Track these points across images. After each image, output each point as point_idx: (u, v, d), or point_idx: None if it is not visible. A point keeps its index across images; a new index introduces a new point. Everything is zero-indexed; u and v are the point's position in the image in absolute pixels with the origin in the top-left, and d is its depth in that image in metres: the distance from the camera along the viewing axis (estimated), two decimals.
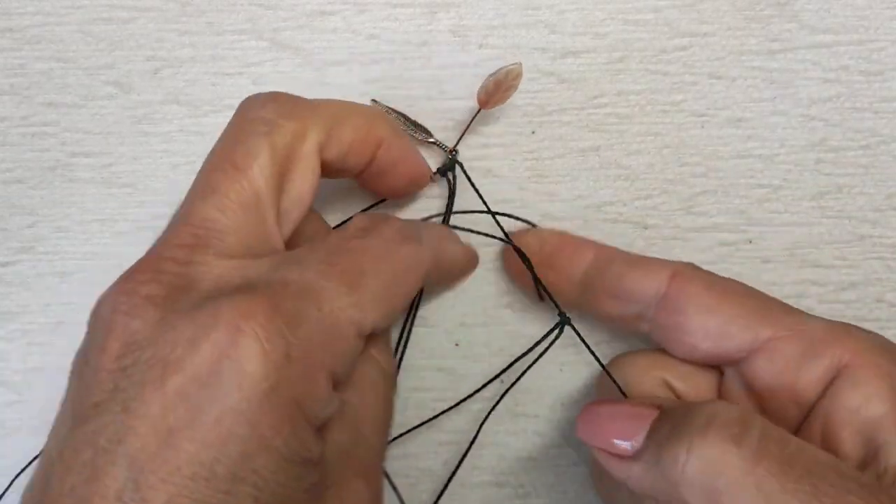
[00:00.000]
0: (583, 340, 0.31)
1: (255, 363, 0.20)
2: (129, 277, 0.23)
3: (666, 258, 0.30)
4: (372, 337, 0.25)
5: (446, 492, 0.33)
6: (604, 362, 0.31)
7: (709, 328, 0.27)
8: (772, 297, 0.28)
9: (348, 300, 0.23)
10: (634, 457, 0.25)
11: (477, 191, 0.33)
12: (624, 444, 0.25)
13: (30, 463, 0.32)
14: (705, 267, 0.34)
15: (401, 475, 0.33)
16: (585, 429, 0.27)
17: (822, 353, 0.26)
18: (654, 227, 0.34)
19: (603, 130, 0.34)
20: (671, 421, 0.24)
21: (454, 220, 0.34)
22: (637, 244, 0.34)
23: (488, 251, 0.34)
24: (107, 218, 0.34)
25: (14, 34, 0.34)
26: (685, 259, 0.34)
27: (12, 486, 0.33)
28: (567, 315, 0.32)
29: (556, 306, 0.31)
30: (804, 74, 0.35)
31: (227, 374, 0.20)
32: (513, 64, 0.32)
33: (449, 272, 0.32)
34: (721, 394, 0.29)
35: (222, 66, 0.34)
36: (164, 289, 0.22)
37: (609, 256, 0.30)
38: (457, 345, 0.34)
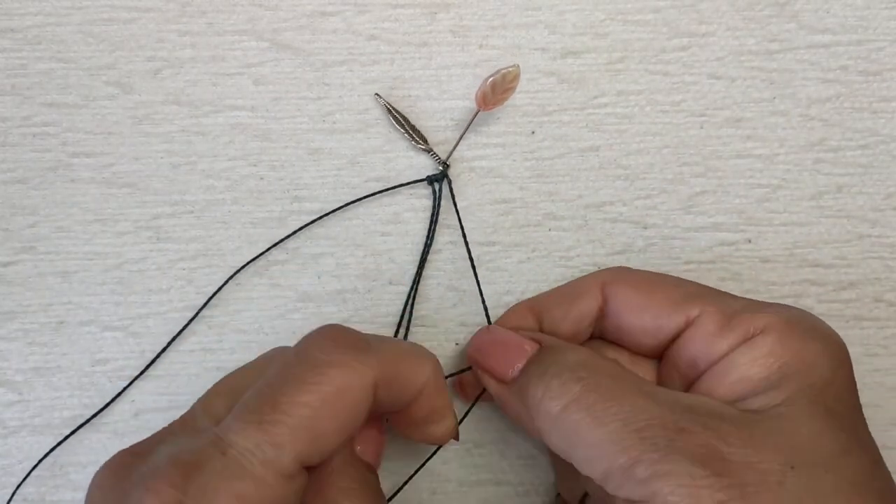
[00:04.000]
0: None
1: None
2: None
3: (600, 270, 0.33)
4: (331, 469, 0.25)
5: (446, 492, 0.33)
6: None
7: (645, 325, 0.29)
8: (702, 284, 0.30)
9: (256, 440, 0.23)
10: (509, 383, 0.28)
11: (457, 211, 0.33)
12: (504, 370, 0.28)
13: (37, 464, 0.32)
14: (705, 266, 0.34)
15: (401, 475, 0.33)
16: (475, 349, 0.30)
17: (738, 325, 0.27)
18: (654, 227, 0.34)
19: (603, 130, 0.34)
20: (542, 361, 0.27)
21: (445, 231, 0.34)
22: (637, 244, 0.34)
23: (490, 250, 0.34)
24: (108, 218, 0.34)
25: (15, 34, 0.34)
26: (684, 259, 0.34)
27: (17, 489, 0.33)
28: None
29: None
30: (803, 74, 0.35)
31: None
32: (510, 66, 0.32)
33: (413, 397, 0.27)
34: (660, 377, 0.30)
35: (223, 66, 0.34)
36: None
37: (543, 308, 0.32)
38: (457, 344, 0.34)
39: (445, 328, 0.34)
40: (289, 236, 0.33)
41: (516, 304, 0.33)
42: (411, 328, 0.33)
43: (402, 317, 0.33)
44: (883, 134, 0.35)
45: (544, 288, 0.34)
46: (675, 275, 0.33)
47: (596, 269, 0.34)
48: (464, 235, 0.33)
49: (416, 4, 0.34)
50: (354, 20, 0.34)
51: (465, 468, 0.33)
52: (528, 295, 0.34)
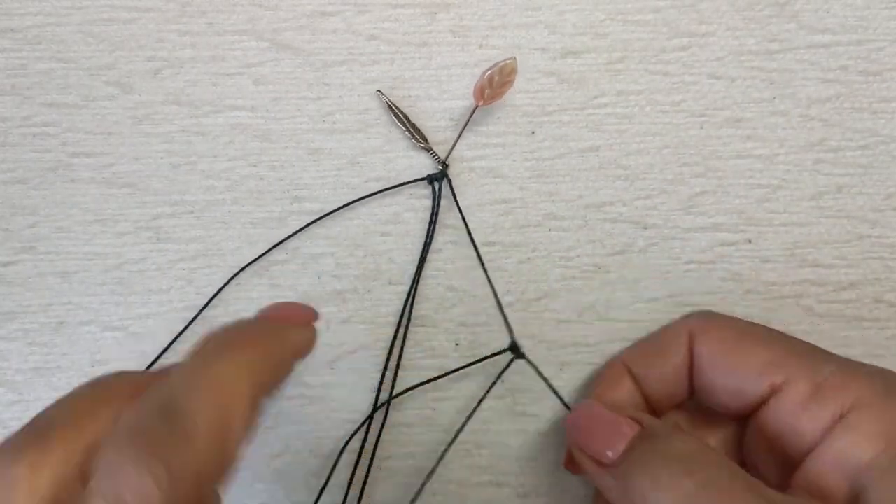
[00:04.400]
0: (539, 373, 0.32)
1: None
2: None
3: (682, 317, 0.32)
4: None
5: (446, 492, 0.33)
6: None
7: (728, 387, 0.28)
8: (790, 337, 0.28)
9: None
10: (610, 466, 0.26)
11: (460, 210, 0.33)
12: (602, 451, 0.27)
13: None
14: (705, 267, 0.34)
15: (400, 474, 0.33)
16: (573, 425, 0.29)
17: (828, 397, 0.26)
18: (654, 227, 0.34)
19: (603, 130, 0.34)
20: (645, 448, 0.26)
21: (445, 231, 0.34)
22: (637, 244, 0.34)
23: (490, 250, 0.34)
24: (108, 218, 0.34)
25: (15, 35, 0.34)
26: (684, 259, 0.34)
27: None
28: (519, 348, 0.32)
29: (510, 335, 0.32)
30: (803, 74, 0.35)
31: None
32: (507, 59, 0.32)
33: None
34: (744, 443, 0.29)
35: (223, 66, 0.34)
36: None
37: (636, 367, 0.31)
38: (457, 344, 0.34)
39: (445, 328, 0.34)
40: (290, 237, 0.33)
41: (612, 365, 0.32)
42: (412, 328, 0.33)
43: (401, 317, 0.33)
44: (883, 134, 0.35)
45: (544, 288, 0.34)
46: (678, 276, 0.34)
47: (596, 269, 0.34)
48: (469, 233, 0.33)
49: (416, 4, 0.34)
50: (354, 20, 0.34)
51: (465, 469, 0.33)
52: (528, 295, 0.34)
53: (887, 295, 0.34)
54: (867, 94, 0.35)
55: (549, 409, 0.34)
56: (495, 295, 0.33)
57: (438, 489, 0.33)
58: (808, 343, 0.28)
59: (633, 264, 0.34)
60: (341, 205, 0.33)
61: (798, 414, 0.26)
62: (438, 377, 0.32)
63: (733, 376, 0.28)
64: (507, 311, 0.34)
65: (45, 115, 0.34)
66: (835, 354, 0.28)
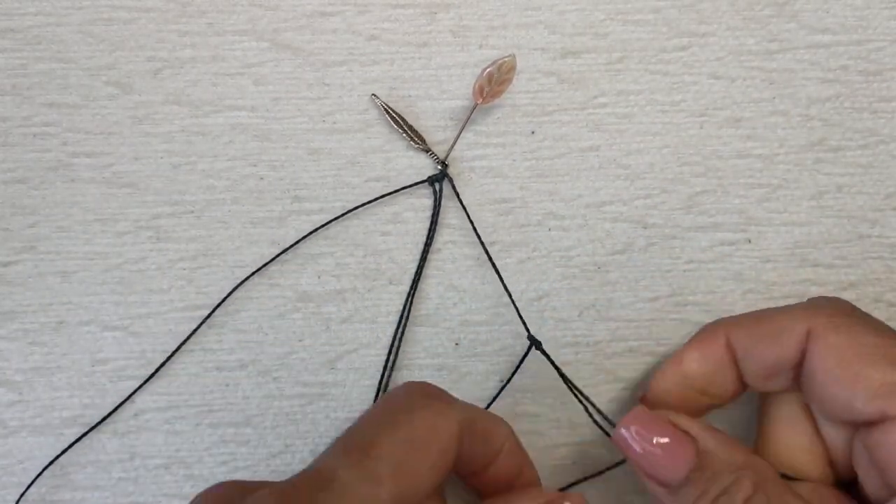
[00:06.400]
0: (553, 365, 0.32)
1: None
2: None
3: (800, 307, 0.29)
4: None
5: (446, 491, 0.33)
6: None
7: (837, 399, 0.27)
8: None
9: (353, 474, 0.24)
10: (672, 491, 0.27)
11: (464, 207, 0.33)
12: (661, 475, 0.27)
13: (47, 466, 0.32)
14: (705, 266, 0.34)
15: None
16: (631, 449, 0.27)
17: None
18: (654, 227, 0.34)
19: (603, 130, 0.34)
20: (705, 478, 0.26)
21: (445, 230, 0.34)
22: (637, 243, 0.34)
23: (490, 250, 0.34)
24: (108, 218, 0.34)
25: (15, 35, 0.34)
26: (685, 259, 0.34)
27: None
28: (538, 340, 0.32)
29: (526, 328, 0.32)
30: (803, 74, 0.35)
31: None
32: (506, 57, 0.32)
33: (494, 454, 0.28)
34: (854, 447, 0.28)
35: (223, 66, 0.34)
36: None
37: (740, 342, 0.29)
38: (457, 344, 0.34)
39: (446, 327, 0.34)
40: (300, 241, 0.33)
41: (711, 330, 0.30)
42: (412, 328, 0.33)
43: (401, 316, 0.33)
44: (883, 134, 0.35)
45: (545, 287, 0.34)
46: (679, 275, 0.34)
47: (596, 269, 0.34)
48: (475, 231, 0.33)
49: (416, 4, 0.34)
50: (354, 20, 0.34)
51: None
52: (529, 295, 0.34)
53: (887, 295, 0.34)
54: (867, 94, 0.35)
55: (549, 408, 0.34)
56: (506, 290, 0.32)
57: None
58: None
59: (634, 264, 0.34)
60: (348, 209, 0.33)
61: None
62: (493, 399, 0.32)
63: (844, 392, 0.26)
64: (506, 310, 0.34)
65: (45, 115, 0.34)
66: None
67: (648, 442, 0.27)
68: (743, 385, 0.30)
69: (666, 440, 0.27)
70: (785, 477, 0.28)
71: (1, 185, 0.34)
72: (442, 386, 0.33)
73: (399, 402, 0.27)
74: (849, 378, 0.26)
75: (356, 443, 0.25)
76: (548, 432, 0.33)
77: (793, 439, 0.29)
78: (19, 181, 0.34)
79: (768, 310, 0.30)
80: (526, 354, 0.32)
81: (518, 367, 0.32)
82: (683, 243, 0.34)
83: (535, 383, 0.33)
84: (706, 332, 0.31)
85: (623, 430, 0.27)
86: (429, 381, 0.33)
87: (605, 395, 0.34)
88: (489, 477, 0.28)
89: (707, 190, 0.34)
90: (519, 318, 0.32)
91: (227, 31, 0.34)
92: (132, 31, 0.34)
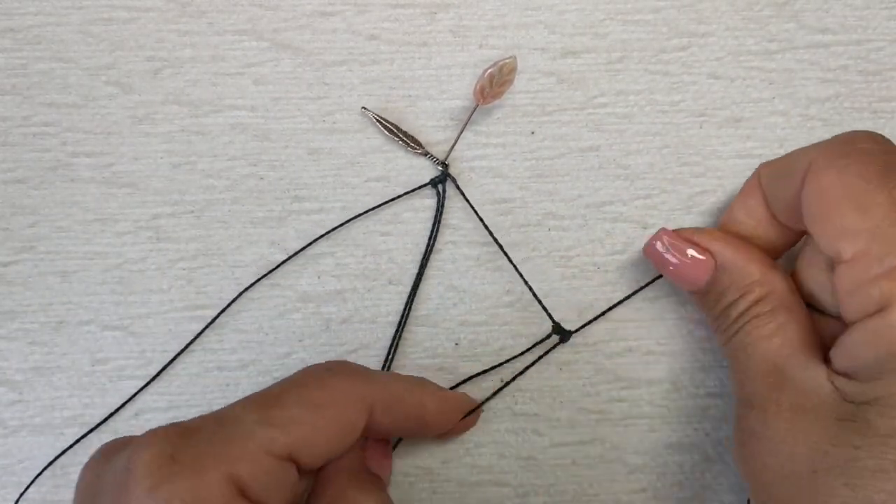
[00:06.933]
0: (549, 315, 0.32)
1: (140, 468, 0.23)
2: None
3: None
4: (356, 483, 0.27)
5: (446, 492, 0.33)
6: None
7: (818, 239, 0.27)
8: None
9: (254, 417, 0.25)
10: (698, 297, 0.31)
11: (471, 206, 0.33)
12: (689, 285, 0.30)
13: (47, 467, 0.32)
14: None
15: (400, 474, 0.33)
16: (660, 259, 0.31)
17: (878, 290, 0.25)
18: (654, 227, 0.34)
19: (603, 130, 0.34)
20: (721, 287, 0.29)
21: (445, 231, 0.34)
22: (637, 243, 0.34)
23: (490, 250, 0.34)
24: (108, 217, 0.34)
25: (15, 34, 0.34)
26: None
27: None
28: (564, 328, 0.33)
29: (550, 317, 0.33)
30: (803, 74, 0.35)
31: (122, 480, 0.23)
32: (507, 58, 0.32)
33: (416, 418, 0.30)
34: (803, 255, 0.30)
35: (223, 66, 0.34)
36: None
37: (766, 181, 0.30)
38: (457, 344, 0.34)
39: (446, 328, 0.34)
40: (308, 245, 0.33)
41: (752, 176, 0.31)
42: (412, 328, 0.33)
43: (402, 316, 0.33)
44: (883, 133, 0.34)
45: (545, 287, 0.34)
46: None
47: (596, 268, 0.34)
48: (486, 227, 0.33)
49: (416, 4, 0.34)
50: (354, 20, 0.34)
51: (465, 468, 0.33)
52: (528, 295, 0.34)
53: None
54: (867, 94, 0.35)
55: (549, 408, 0.34)
56: (523, 278, 0.33)
57: (438, 488, 0.33)
58: None
59: (634, 264, 0.34)
60: (349, 209, 0.34)
61: (847, 293, 0.25)
62: (497, 365, 0.32)
63: (816, 232, 0.26)
64: (506, 310, 0.34)
65: (45, 115, 0.34)
66: None
67: (675, 254, 0.30)
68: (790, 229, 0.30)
69: (689, 253, 0.30)
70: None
71: (1, 185, 0.34)
72: (442, 386, 0.33)
73: (316, 369, 0.28)
74: (819, 218, 0.26)
75: (264, 395, 0.26)
76: (548, 432, 0.33)
77: (812, 277, 0.29)
78: (19, 181, 0.34)
79: (798, 149, 0.30)
80: (554, 346, 0.33)
81: (547, 353, 0.33)
82: None
83: (534, 384, 0.33)
84: (749, 179, 0.31)
85: (657, 244, 0.31)
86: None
87: (604, 395, 0.34)
88: (430, 433, 0.31)
89: (707, 190, 0.34)
90: (542, 309, 0.33)
91: (227, 30, 0.34)
92: (132, 30, 0.34)
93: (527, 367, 0.33)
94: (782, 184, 0.29)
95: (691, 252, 0.30)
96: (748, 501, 0.33)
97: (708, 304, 0.30)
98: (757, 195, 0.30)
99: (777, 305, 0.28)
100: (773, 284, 0.29)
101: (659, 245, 0.31)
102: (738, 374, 0.29)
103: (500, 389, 0.33)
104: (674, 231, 0.31)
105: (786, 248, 0.31)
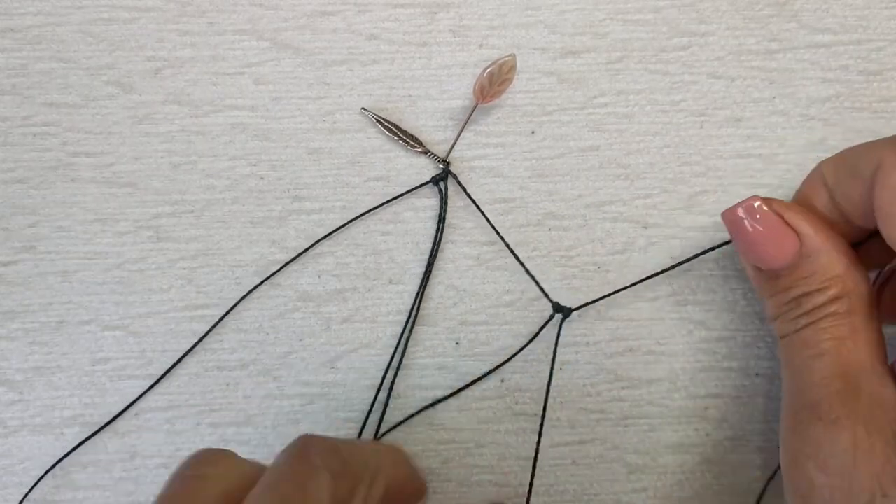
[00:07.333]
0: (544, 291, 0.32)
1: None
2: None
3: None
4: None
5: (446, 491, 0.33)
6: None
7: (891, 240, 0.26)
8: None
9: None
10: (769, 276, 0.28)
11: (473, 201, 0.33)
12: (766, 261, 0.28)
13: (49, 470, 0.32)
14: (706, 267, 0.34)
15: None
16: (742, 229, 0.28)
17: None
18: (655, 226, 0.34)
19: (603, 130, 0.34)
20: (799, 273, 0.27)
21: (449, 229, 0.34)
22: (637, 243, 0.34)
23: (490, 249, 0.34)
24: (108, 217, 0.34)
25: (15, 34, 0.34)
26: (685, 258, 0.34)
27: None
28: (563, 306, 0.33)
29: (547, 297, 0.33)
30: (803, 74, 0.35)
31: None
32: (506, 56, 0.32)
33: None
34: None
35: (223, 66, 0.34)
36: None
37: (830, 178, 0.28)
38: (457, 343, 0.34)
39: (446, 327, 0.34)
40: (312, 246, 0.33)
41: (812, 172, 0.29)
42: (413, 327, 0.33)
43: (408, 317, 0.33)
44: (883, 134, 0.34)
45: (545, 287, 0.34)
46: (679, 275, 0.34)
47: (596, 268, 0.34)
48: (489, 222, 0.33)
49: (416, 4, 0.34)
50: (354, 20, 0.34)
51: (465, 468, 0.33)
52: (529, 295, 0.34)
53: None
54: (867, 94, 0.35)
55: (549, 408, 0.34)
56: (523, 266, 0.33)
57: (438, 488, 0.33)
58: None
59: (634, 264, 0.34)
60: (349, 209, 0.33)
61: None
62: (498, 366, 0.32)
63: (892, 234, 0.25)
64: (506, 310, 0.34)
65: (46, 115, 0.34)
66: None
67: (759, 225, 0.27)
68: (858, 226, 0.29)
69: (775, 229, 0.27)
70: None
71: (1, 185, 0.34)
72: (442, 385, 0.33)
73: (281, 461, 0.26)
74: (893, 220, 0.25)
75: None
76: (548, 432, 0.33)
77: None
78: (19, 181, 0.34)
79: (860, 144, 0.29)
80: (560, 325, 0.33)
81: (557, 340, 0.33)
82: (684, 243, 0.34)
83: (534, 384, 0.33)
84: (810, 177, 0.30)
85: (739, 210, 0.28)
86: (428, 380, 0.33)
87: (605, 395, 0.34)
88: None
89: (707, 190, 0.34)
90: (541, 290, 0.33)
91: (227, 30, 0.34)
92: (132, 30, 0.34)
93: (529, 342, 0.33)
94: (851, 182, 0.27)
95: (780, 228, 0.27)
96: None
97: (775, 288, 0.28)
98: (822, 193, 0.28)
99: (855, 307, 0.26)
100: (855, 284, 0.27)
101: (741, 211, 0.28)
102: (802, 376, 0.27)
103: (499, 366, 0.33)
104: (766, 199, 0.28)
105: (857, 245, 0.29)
